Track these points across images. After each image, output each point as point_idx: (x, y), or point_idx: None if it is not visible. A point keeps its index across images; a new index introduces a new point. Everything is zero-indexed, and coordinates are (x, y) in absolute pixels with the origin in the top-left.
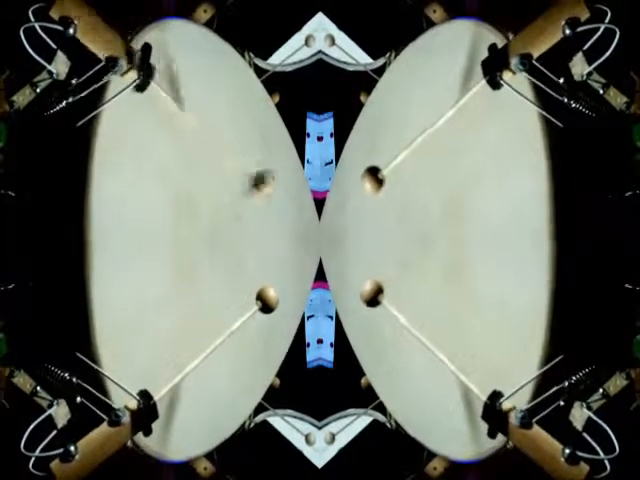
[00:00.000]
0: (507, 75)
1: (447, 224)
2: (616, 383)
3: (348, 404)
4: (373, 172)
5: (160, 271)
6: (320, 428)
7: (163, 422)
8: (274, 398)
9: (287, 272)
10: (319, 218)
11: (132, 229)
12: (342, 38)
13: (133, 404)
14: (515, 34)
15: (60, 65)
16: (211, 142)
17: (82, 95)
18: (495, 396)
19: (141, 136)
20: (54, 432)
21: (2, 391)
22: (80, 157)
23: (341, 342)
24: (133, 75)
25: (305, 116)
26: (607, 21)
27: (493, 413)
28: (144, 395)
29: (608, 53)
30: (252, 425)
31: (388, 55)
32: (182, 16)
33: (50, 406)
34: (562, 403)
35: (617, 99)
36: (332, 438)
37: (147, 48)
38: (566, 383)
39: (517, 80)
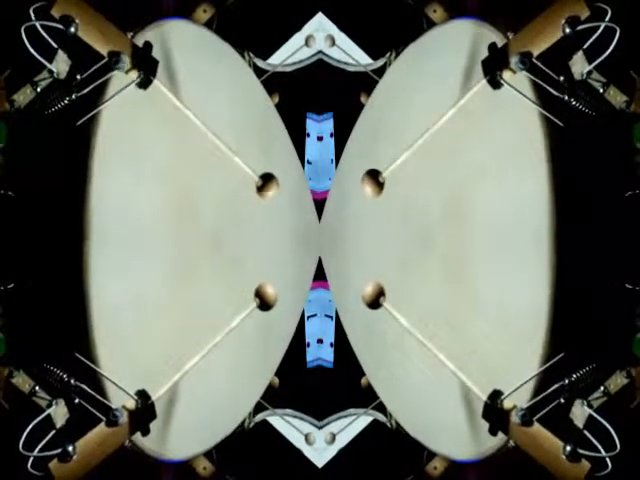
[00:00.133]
0: (507, 74)
1: (447, 224)
2: (617, 381)
3: (348, 404)
4: (373, 175)
5: (159, 271)
6: (320, 428)
7: (162, 421)
8: (274, 398)
9: (287, 272)
10: (319, 218)
11: (132, 229)
12: (342, 38)
13: (131, 404)
14: (515, 34)
15: (61, 64)
16: (211, 142)
17: (85, 92)
18: (495, 395)
19: (141, 136)
20: (53, 432)
21: (1, 391)
22: (80, 157)
23: (341, 342)
24: (135, 73)
25: (305, 116)
26: (607, 20)
27: (494, 412)
28: (142, 395)
29: (608, 52)
30: (252, 424)
31: (388, 55)
32: (182, 16)
33: (49, 406)
34: (563, 401)
35: (617, 98)
36: (332, 438)
37: (148, 45)
38: (567, 381)
39: (517, 79)
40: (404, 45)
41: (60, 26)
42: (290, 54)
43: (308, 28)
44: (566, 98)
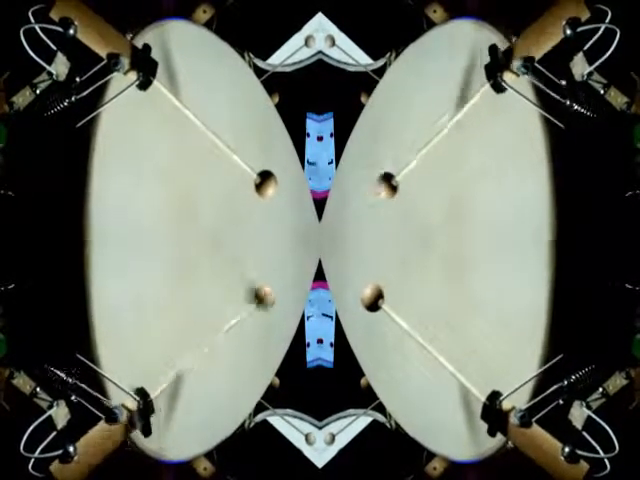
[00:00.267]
0: (508, 76)
1: (448, 224)
2: (616, 382)
3: (348, 404)
4: (387, 179)
5: (159, 271)
6: (320, 428)
7: (162, 422)
8: (274, 398)
9: (287, 272)
10: (319, 218)
11: (132, 229)
12: (342, 39)
13: (131, 403)
14: (516, 34)
15: (60, 66)
16: (211, 142)
17: (84, 94)
18: (494, 396)
19: (141, 136)
20: (54, 433)
21: (2, 392)
22: (80, 158)
23: (341, 342)
24: (135, 74)
25: (305, 116)
26: (607, 21)
27: (492, 413)
28: (141, 393)
29: (609, 53)
30: (252, 425)
31: (388, 56)
32: (182, 16)
33: (50, 407)
34: (561, 402)
35: (618, 99)
36: (332, 438)
37: (147, 47)
38: (565, 382)
39: (518, 81)
40: (404, 45)
41: (59, 28)
42: (290, 54)
43: (308, 28)
44: (567, 99)
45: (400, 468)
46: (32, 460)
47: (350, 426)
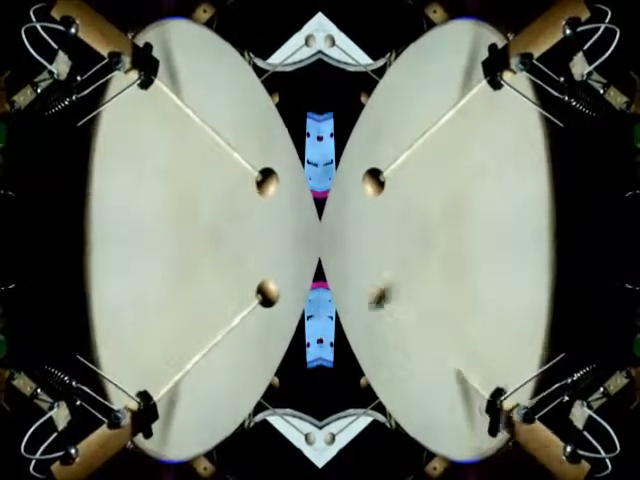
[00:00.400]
0: (507, 75)
1: (447, 224)
2: (616, 382)
3: (348, 404)
4: (374, 174)
5: (160, 270)
6: (320, 428)
7: (162, 422)
8: (274, 398)
9: (287, 271)
10: (319, 218)
11: (132, 228)
12: (342, 38)
13: (133, 405)
14: (515, 34)
15: (61, 65)
16: (211, 140)
17: (85, 93)
18: (497, 393)
19: (142, 136)
20: (54, 434)
21: (2, 393)
22: (80, 157)
23: (341, 342)
24: (136, 73)
25: (305, 116)
26: (607, 21)
27: (495, 410)
28: (144, 396)
29: (608, 53)
30: (252, 424)
31: (388, 56)
32: (182, 16)
33: (50, 408)
34: (563, 402)
35: (617, 99)
36: (332, 438)
37: (148, 46)
38: (566, 382)
39: (517, 79)
40: (404, 45)
41: (60, 27)
42: (290, 54)
43: (308, 28)
44: (566, 99)
45: (400, 468)
46: (33, 461)
47: (350, 426)
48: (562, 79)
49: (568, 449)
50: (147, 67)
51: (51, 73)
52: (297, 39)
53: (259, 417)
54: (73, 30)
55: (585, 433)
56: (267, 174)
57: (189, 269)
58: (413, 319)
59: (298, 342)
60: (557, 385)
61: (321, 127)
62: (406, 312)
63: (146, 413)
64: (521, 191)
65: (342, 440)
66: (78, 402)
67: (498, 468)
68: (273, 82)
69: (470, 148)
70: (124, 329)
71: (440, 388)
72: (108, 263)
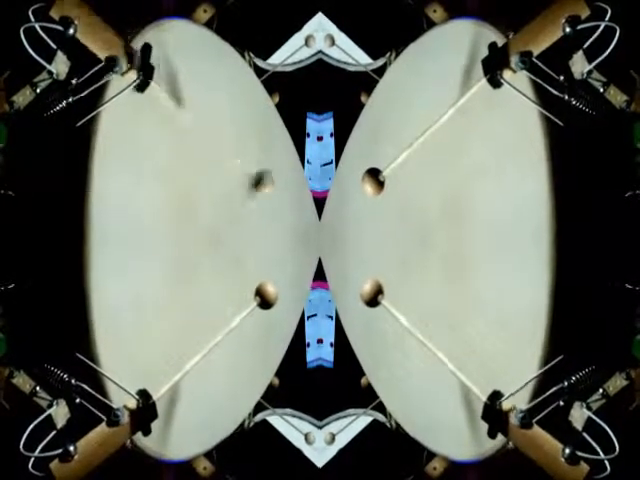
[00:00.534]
0: (507, 74)
1: (447, 223)
2: (616, 383)
3: (348, 404)
4: (373, 174)
5: (159, 270)
6: (320, 428)
7: (162, 421)
8: (274, 398)
9: (287, 271)
10: (319, 218)
11: (132, 229)
12: (342, 38)
13: (132, 404)
14: (515, 33)
15: (60, 65)
16: (211, 142)
17: (82, 95)
18: (495, 396)
19: (141, 136)
20: (53, 432)
21: (2, 391)
22: (80, 157)
23: (341, 342)
24: (133, 75)
25: (305, 116)
26: (607, 19)
27: (493, 413)
28: (143, 395)
29: (608, 51)
30: (252, 424)
31: (388, 55)
32: (182, 16)
33: (50, 406)
34: (562, 403)
35: (617, 97)
36: (332, 438)
37: (147, 48)
38: (566, 383)
39: (517, 78)
40: (404, 45)
41: (59, 27)
42: (290, 54)
43: (308, 28)
44: (566, 97)
45: (400, 468)
46: (32, 459)
47: (350, 426)
48: (562, 78)
49: (567, 451)
50: (144, 70)
51: (50, 73)
52: (297, 39)
53: (259, 417)
54: (72, 30)
55: (584, 434)
56: (263, 176)
57: (188, 270)
58: (412, 318)
59: (298, 342)
60: (555, 388)
61: (321, 127)
62: (406, 312)
63: (145, 412)
64: (521, 190)
65: (342, 440)
66: (77, 400)
67: (498, 468)
68: (273, 82)
69: (470, 147)
70: (123, 329)
71: (440, 388)
72: (108, 263)
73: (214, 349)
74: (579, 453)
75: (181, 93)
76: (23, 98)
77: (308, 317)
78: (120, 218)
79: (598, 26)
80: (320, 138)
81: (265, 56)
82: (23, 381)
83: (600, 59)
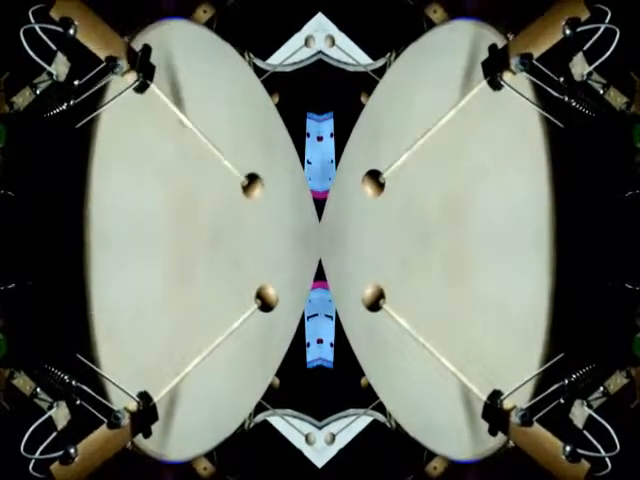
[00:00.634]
0: (507, 76)
1: (447, 224)
2: (616, 381)
3: (348, 404)
4: (374, 176)
5: (159, 271)
6: (320, 428)
7: (162, 422)
8: (274, 398)
9: (287, 272)
10: (319, 218)
11: (132, 229)
12: (342, 38)
13: (133, 405)
14: (515, 34)
15: (60, 66)
16: (211, 142)
17: (83, 96)
18: (495, 395)
19: (141, 136)
20: (54, 434)
21: (2, 392)
22: (80, 158)
23: (341, 342)
24: (133, 76)
25: (305, 116)
26: (607, 21)
27: (493, 412)
28: (144, 396)
29: (608, 53)
30: (252, 425)
31: (388, 56)
32: (182, 16)
33: (50, 408)
34: (563, 401)
35: (617, 99)
36: (332, 438)
37: (147, 49)
38: (566, 381)
39: (517, 80)
40: (404, 45)
41: (59, 28)
42: (290, 54)
43: (308, 28)
44: (566, 99)
45: (400, 468)
46: (32, 461)
47: (350, 426)
48: (562, 79)
49: (568, 448)
50: (144, 71)
51: (50, 74)
52: (297, 39)
53: (259, 417)
54: (71, 31)
55: (585, 432)
56: (252, 179)
57: (188, 270)
58: (412, 319)
59: (298, 342)
60: (556, 386)
61: (321, 127)
62: (406, 312)
63: (146, 414)
64: (521, 191)
65: (342, 440)
66: (78, 402)
67: (498, 468)
68: (273, 82)
69: (470, 148)
70: (124, 329)
71: (440, 388)
72: (107, 263)
73: (215, 350)
74: (580, 451)
75: (181, 93)
76: (23, 99)
77: (308, 317)
78: (120, 218)
79: (598, 28)
80: (320, 138)
81: (265, 56)
82: (23, 382)
83: (600, 61)
